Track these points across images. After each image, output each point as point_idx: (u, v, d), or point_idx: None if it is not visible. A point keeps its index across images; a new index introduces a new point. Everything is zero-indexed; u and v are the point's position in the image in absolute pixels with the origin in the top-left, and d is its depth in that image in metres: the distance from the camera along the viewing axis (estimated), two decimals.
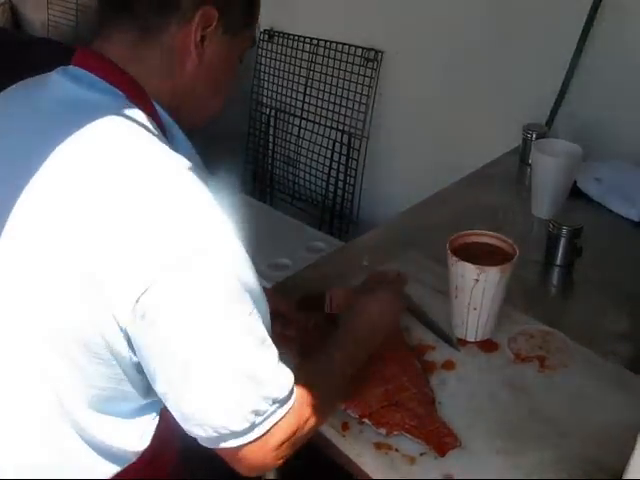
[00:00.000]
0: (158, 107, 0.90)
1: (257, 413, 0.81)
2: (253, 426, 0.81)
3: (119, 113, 0.84)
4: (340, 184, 2.61)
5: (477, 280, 1.09)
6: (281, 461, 0.87)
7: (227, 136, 2.72)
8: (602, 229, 1.50)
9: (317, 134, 2.65)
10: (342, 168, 2.59)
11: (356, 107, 2.47)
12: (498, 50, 1.98)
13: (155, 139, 0.83)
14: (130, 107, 0.85)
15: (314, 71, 2.59)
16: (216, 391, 0.80)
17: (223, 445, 0.82)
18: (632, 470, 0.75)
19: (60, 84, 0.89)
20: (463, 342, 1.16)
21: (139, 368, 0.83)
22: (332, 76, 2.53)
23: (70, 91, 0.87)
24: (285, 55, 2.68)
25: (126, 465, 0.91)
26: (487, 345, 1.16)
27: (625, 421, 0.98)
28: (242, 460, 0.85)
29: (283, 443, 0.85)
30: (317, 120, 2.64)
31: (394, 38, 2.29)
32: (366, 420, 1.00)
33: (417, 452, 0.97)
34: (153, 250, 0.76)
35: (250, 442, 0.82)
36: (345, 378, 0.98)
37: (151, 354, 0.79)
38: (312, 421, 0.89)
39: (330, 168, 2.63)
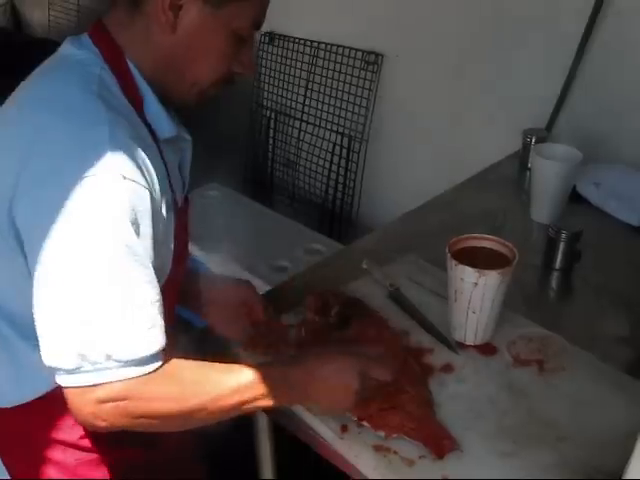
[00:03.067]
0: (137, 74, 0.93)
1: (85, 359, 0.80)
2: (78, 370, 0.81)
3: (80, 66, 0.91)
4: (340, 187, 2.61)
5: (476, 284, 1.09)
6: (103, 423, 0.84)
7: (227, 138, 2.73)
8: (601, 233, 1.50)
9: (317, 137, 2.66)
10: (342, 171, 2.59)
11: (356, 110, 2.47)
12: (498, 54, 1.99)
13: (98, 101, 0.86)
14: (95, 64, 0.91)
15: (314, 74, 2.60)
16: (60, 319, 0.81)
17: (57, 380, 0.83)
18: (632, 470, 0.75)
19: (63, 45, 0.96)
20: (462, 345, 1.17)
21: None
22: (332, 79, 2.53)
23: (64, 50, 0.95)
24: (286, 58, 2.69)
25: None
26: (486, 349, 1.16)
27: (624, 424, 0.98)
28: (68, 402, 0.84)
29: (106, 402, 0.82)
30: (317, 123, 2.64)
31: (394, 41, 2.30)
32: (365, 423, 1.00)
33: (416, 455, 0.97)
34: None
35: (73, 386, 0.82)
36: (234, 403, 0.91)
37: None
38: (162, 406, 0.86)
39: (330, 171, 2.63)
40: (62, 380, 0.83)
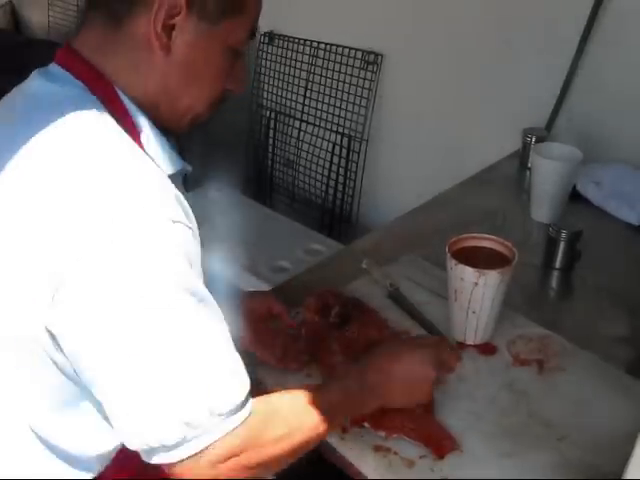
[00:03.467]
0: (130, 104, 0.84)
1: (190, 425, 0.75)
2: (184, 440, 0.75)
3: (74, 108, 0.80)
4: (340, 187, 2.61)
5: (476, 283, 1.09)
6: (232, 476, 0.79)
7: (227, 138, 2.73)
8: (601, 233, 1.50)
9: (317, 137, 2.65)
10: (342, 171, 2.59)
11: (356, 110, 2.47)
12: (498, 53, 1.98)
13: (101, 135, 0.79)
14: (88, 102, 0.81)
15: (314, 74, 2.60)
16: (146, 398, 0.74)
17: (155, 460, 0.77)
18: (631, 471, 0.74)
19: (34, 81, 0.87)
20: (462, 345, 1.16)
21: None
22: (332, 79, 2.53)
23: (41, 87, 0.85)
24: (285, 58, 2.68)
25: (102, 470, 0.86)
26: (486, 348, 1.16)
27: (624, 424, 0.98)
28: (180, 477, 0.78)
29: (220, 462, 0.77)
30: (317, 123, 2.64)
31: (394, 41, 2.29)
32: (365, 423, 1.00)
33: (416, 455, 0.97)
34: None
35: (182, 459, 0.76)
36: (328, 425, 0.88)
37: (80, 356, 0.75)
38: (274, 449, 0.82)
39: (330, 171, 2.63)
40: (166, 458, 0.76)
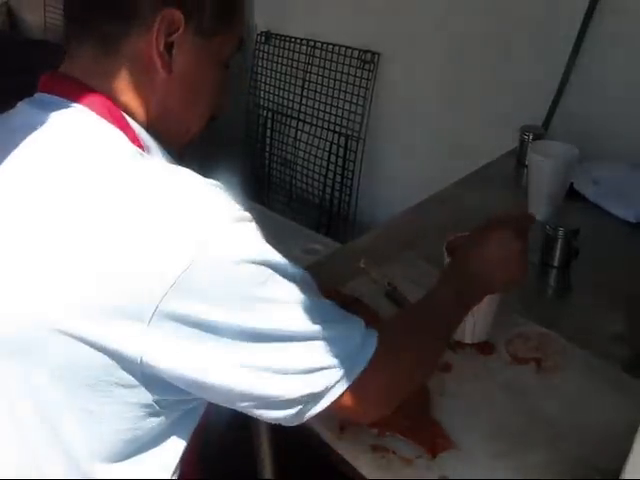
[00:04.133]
0: (134, 124, 0.82)
1: (325, 370, 0.79)
2: (328, 388, 0.80)
3: (87, 131, 0.78)
4: (337, 186, 2.61)
5: None
6: (385, 409, 0.88)
7: (224, 138, 2.72)
8: (599, 231, 1.50)
9: (314, 136, 2.65)
10: (339, 170, 2.59)
11: (353, 109, 2.47)
12: (494, 52, 1.99)
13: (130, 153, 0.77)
14: (99, 123, 0.79)
15: (311, 73, 2.60)
16: (287, 369, 0.77)
17: (313, 411, 0.81)
18: (629, 470, 0.74)
19: (24, 112, 0.82)
20: (460, 344, 1.16)
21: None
22: (329, 78, 2.53)
23: (35, 117, 0.79)
24: (282, 57, 2.68)
25: None
26: (484, 347, 1.16)
27: (622, 423, 0.98)
28: (350, 413, 0.85)
29: (379, 389, 0.84)
30: (314, 122, 2.64)
31: (391, 40, 2.30)
32: None
33: (414, 455, 0.96)
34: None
35: (340, 394, 0.80)
36: (449, 324, 0.97)
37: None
38: (409, 366, 0.89)
39: (327, 170, 2.63)
40: (326, 401, 0.81)
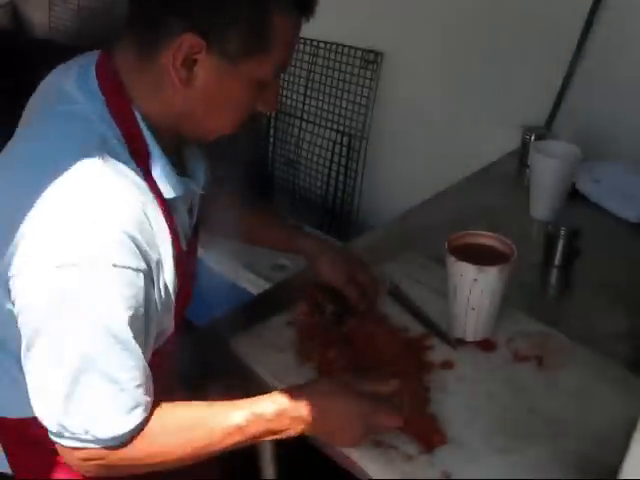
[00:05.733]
0: (145, 130, 0.88)
1: (66, 429, 0.82)
2: (60, 435, 0.83)
3: (83, 125, 0.85)
4: (340, 185, 2.62)
5: (476, 280, 1.09)
6: (90, 474, 0.88)
7: (227, 137, 2.73)
8: (600, 230, 1.51)
9: (317, 135, 2.66)
10: (342, 169, 2.60)
11: (356, 108, 2.48)
12: (497, 52, 1.99)
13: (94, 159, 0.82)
14: (102, 122, 0.86)
15: (314, 72, 2.60)
16: (44, 389, 0.82)
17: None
18: (626, 471, 0.75)
19: (67, 79, 0.90)
20: (462, 342, 1.17)
21: None
22: (332, 77, 2.54)
23: (68, 87, 0.88)
24: None
25: None
26: (486, 345, 1.17)
27: (623, 420, 0.98)
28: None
29: (88, 460, 0.86)
30: (317, 121, 2.65)
31: (394, 40, 2.30)
32: None
33: (415, 450, 0.97)
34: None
35: (58, 444, 0.85)
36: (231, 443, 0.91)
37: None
38: (145, 465, 0.89)
39: (330, 169, 2.63)
40: (50, 435, 0.85)
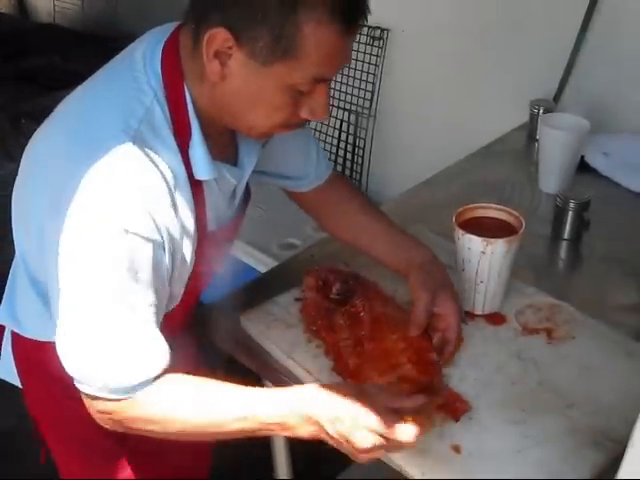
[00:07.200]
0: (192, 111, 0.91)
1: (85, 379, 0.88)
2: (79, 382, 0.89)
3: (133, 95, 0.89)
4: (348, 163, 2.61)
5: (484, 252, 1.09)
6: (106, 426, 0.94)
7: None
8: (610, 203, 1.50)
9: None
10: (349, 147, 2.59)
11: (363, 86, 2.46)
12: (505, 26, 1.97)
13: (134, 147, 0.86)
14: (150, 93, 0.90)
15: None
16: (72, 340, 0.88)
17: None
18: (624, 470, 0.74)
19: (142, 45, 0.94)
20: (471, 315, 1.17)
21: None
22: None
23: (137, 52, 0.93)
24: None
25: None
26: (495, 318, 1.17)
27: (632, 391, 0.99)
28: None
29: (103, 413, 0.91)
30: None
31: (400, 16, 2.28)
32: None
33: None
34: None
35: (84, 394, 0.90)
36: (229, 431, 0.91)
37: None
38: (154, 427, 0.91)
39: (338, 147, 2.63)
40: (75, 383, 0.90)
